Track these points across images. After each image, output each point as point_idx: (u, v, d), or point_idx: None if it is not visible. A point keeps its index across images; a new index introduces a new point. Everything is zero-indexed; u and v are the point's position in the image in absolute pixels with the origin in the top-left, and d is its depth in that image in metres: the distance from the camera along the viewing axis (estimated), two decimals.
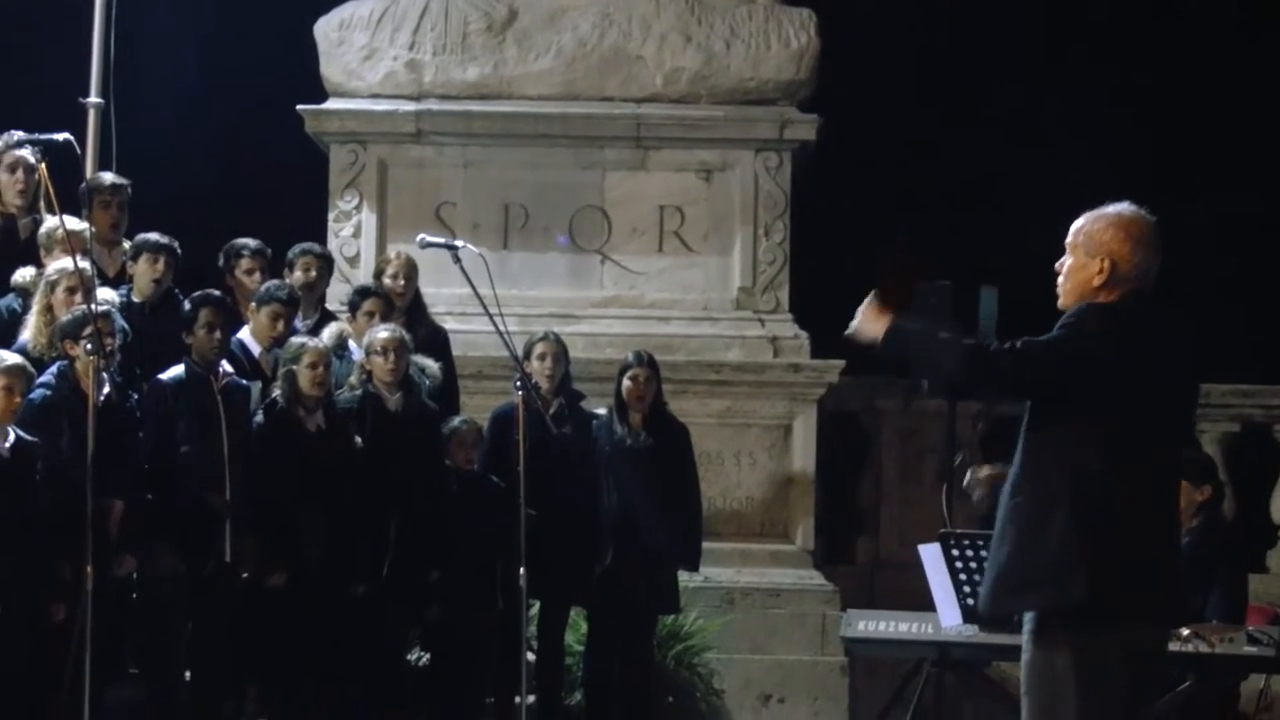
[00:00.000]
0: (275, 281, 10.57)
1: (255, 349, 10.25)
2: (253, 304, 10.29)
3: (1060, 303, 6.37)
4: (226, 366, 9.61)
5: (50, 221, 9.71)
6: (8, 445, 8.59)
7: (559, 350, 11.02)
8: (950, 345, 6.23)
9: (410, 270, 11.33)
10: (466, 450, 10.58)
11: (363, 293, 11.03)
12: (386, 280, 11.24)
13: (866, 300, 6.42)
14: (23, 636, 8.53)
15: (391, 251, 11.98)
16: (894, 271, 6.57)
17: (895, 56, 15.60)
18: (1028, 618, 6.25)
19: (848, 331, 6.49)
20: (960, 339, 6.27)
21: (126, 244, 10.40)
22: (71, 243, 8.86)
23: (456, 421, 10.69)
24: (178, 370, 9.43)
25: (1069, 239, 6.37)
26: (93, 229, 9.78)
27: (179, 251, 10.23)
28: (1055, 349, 6.12)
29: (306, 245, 11.24)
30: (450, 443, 10.54)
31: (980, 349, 6.18)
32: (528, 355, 10.83)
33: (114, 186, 10.58)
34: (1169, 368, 6.23)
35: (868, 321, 6.39)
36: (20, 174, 10.19)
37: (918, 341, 6.34)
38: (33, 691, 8.57)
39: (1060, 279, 6.37)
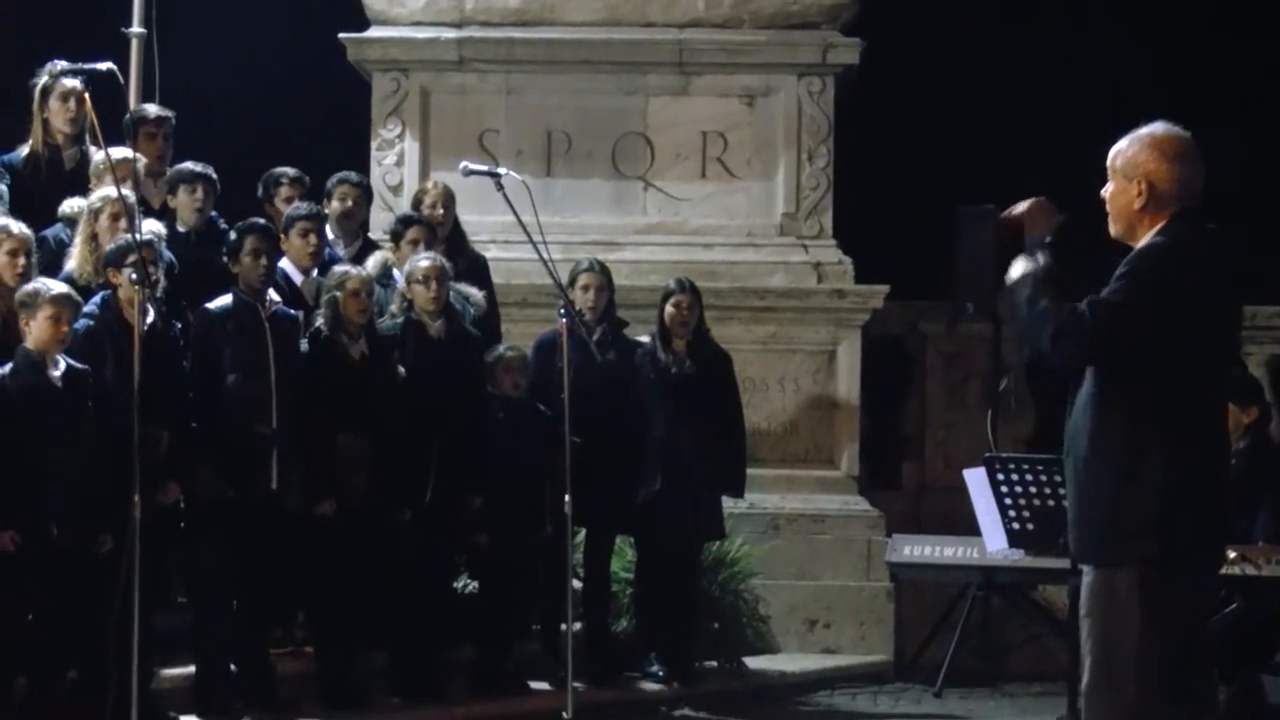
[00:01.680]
0: (294, 203, 10.60)
1: (297, 277, 10.27)
2: (282, 233, 10.29)
3: (1111, 231, 6.32)
4: (274, 295, 9.61)
5: (100, 153, 9.71)
6: (58, 374, 8.63)
7: (603, 281, 11.03)
8: (1044, 315, 6.10)
9: (448, 199, 11.32)
10: (514, 376, 10.59)
11: (406, 221, 11.04)
12: (425, 210, 11.24)
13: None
14: (73, 564, 8.58)
15: (429, 181, 11.99)
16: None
17: None
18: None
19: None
20: (1055, 309, 6.12)
21: None
22: (116, 172, 8.86)
23: (503, 348, 10.71)
24: (225, 299, 9.44)
25: (1108, 164, 6.33)
26: (140, 159, 9.81)
27: (216, 179, 10.24)
28: (1122, 309, 6.03)
29: (344, 174, 11.22)
30: (497, 369, 10.56)
31: (1063, 320, 6.04)
32: (572, 282, 10.85)
33: (159, 118, 10.60)
34: (1224, 294, 6.18)
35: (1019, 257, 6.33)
36: (73, 104, 10.19)
37: (1030, 300, 6.18)
38: (82, 618, 8.63)
39: (1107, 206, 6.33)
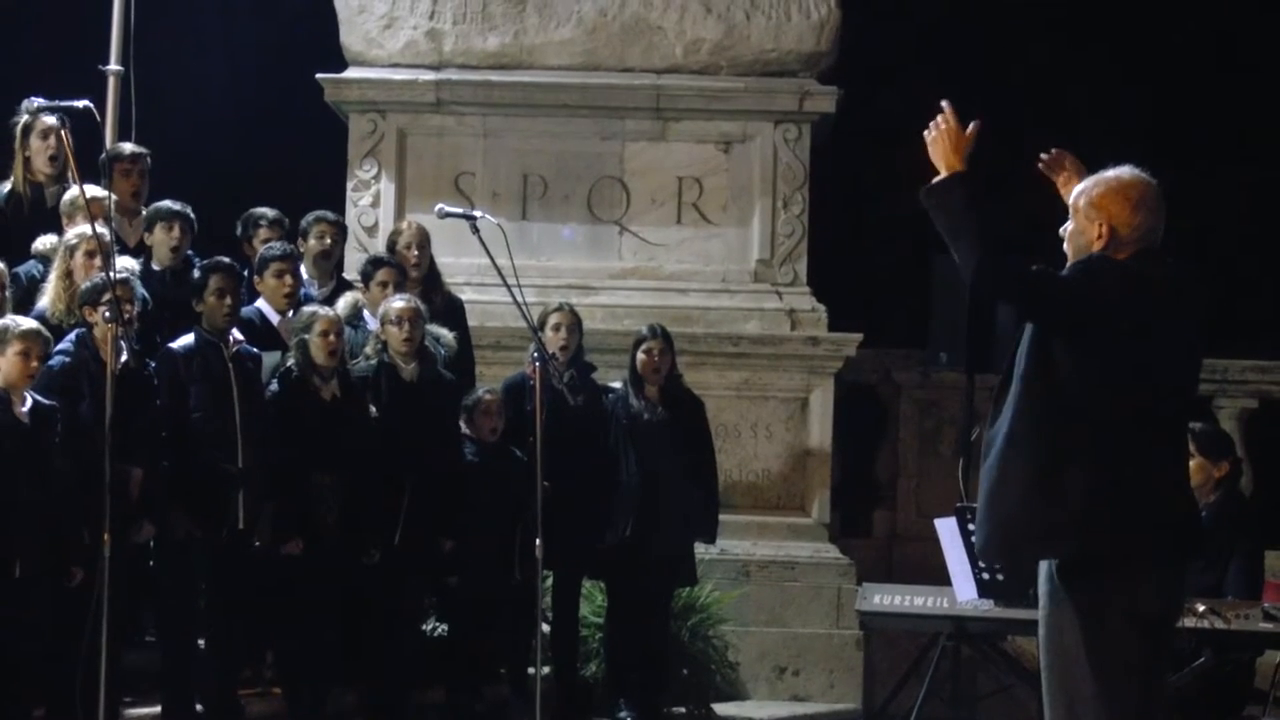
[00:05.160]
0: (268, 244, 10.58)
1: (274, 317, 10.26)
2: (256, 274, 10.29)
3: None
4: (237, 334, 9.61)
5: (72, 190, 9.72)
6: (26, 410, 8.61)
7: (573, 320, 11.05)
8: (981, 242, 6.10)
9: (423, 240, 11.32)
10: (491, 420, 10.59)
11: (376, 263, 11.02)
12: (399, 250, 11.23)
13: (955, 129, 6.29)
14: (41, 602, 8.55)
15: (404, 222, 11.98)
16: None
17: (916, 28, 15.54)
18: (1042, 580, 6.22)
19: (928, 134, 6.35)
20: (994, 243, 6.12)
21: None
22: (91, 210, 8.86)
23: (481, 392, 10.71)
24: (188, 338, 9.44)
25: (1070, 201, 6.36)
26: (113, 197, 9.80)
27: (193, 217, 10.25)
28: (1068, 286, 6.10)
29: (320, 213, 11.21)
30: (475, 412, 10.56)
31: (1002, 261, 6.07)
32: (542, 325, 10.84)
33: (134, 155, 10.61)
34: (1176, 318, 6.20)
35: (946, 146, 6.28)
36: (52, 141, 10.21)
37: (961, 216, 6.17)
38: (51, 656, 8.59)
39: (1065, 244, 6.36)
